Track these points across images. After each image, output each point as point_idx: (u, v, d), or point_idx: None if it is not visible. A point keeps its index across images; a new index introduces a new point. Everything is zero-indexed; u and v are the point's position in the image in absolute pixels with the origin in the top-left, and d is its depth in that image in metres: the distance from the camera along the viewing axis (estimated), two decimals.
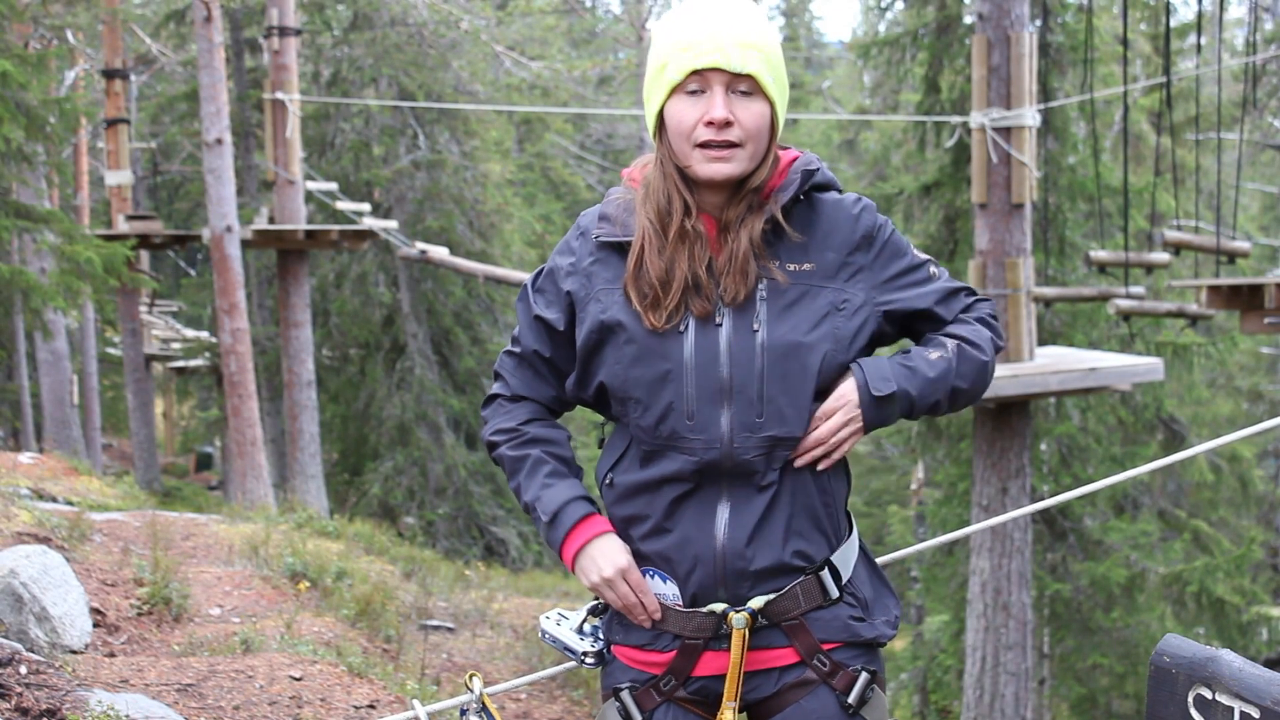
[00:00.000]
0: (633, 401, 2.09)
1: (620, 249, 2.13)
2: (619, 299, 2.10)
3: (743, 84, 2.04)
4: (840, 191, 2.18)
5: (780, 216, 2.08)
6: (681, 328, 2.06)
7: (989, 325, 2.19)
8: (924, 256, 2.20)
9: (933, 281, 2.17)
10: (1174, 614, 13.49)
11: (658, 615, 2.10)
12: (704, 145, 2.04)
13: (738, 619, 2.05)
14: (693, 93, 2.04)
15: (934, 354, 2.12)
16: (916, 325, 2.19)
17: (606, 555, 2.10)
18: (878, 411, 2.07)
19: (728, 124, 2.02)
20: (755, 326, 2.04)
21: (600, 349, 2.12)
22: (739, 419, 2.04)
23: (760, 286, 2.06)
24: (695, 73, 2.03)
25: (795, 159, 2.15)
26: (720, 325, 2.05)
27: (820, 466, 2.08)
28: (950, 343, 2.13)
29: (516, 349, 2.23)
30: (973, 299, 2.22)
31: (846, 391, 2.07)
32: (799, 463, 2.07)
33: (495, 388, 2.27)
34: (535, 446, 2.19)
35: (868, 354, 2.15)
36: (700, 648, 2.09)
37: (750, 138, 2.05)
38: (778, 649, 2.10)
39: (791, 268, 2.08)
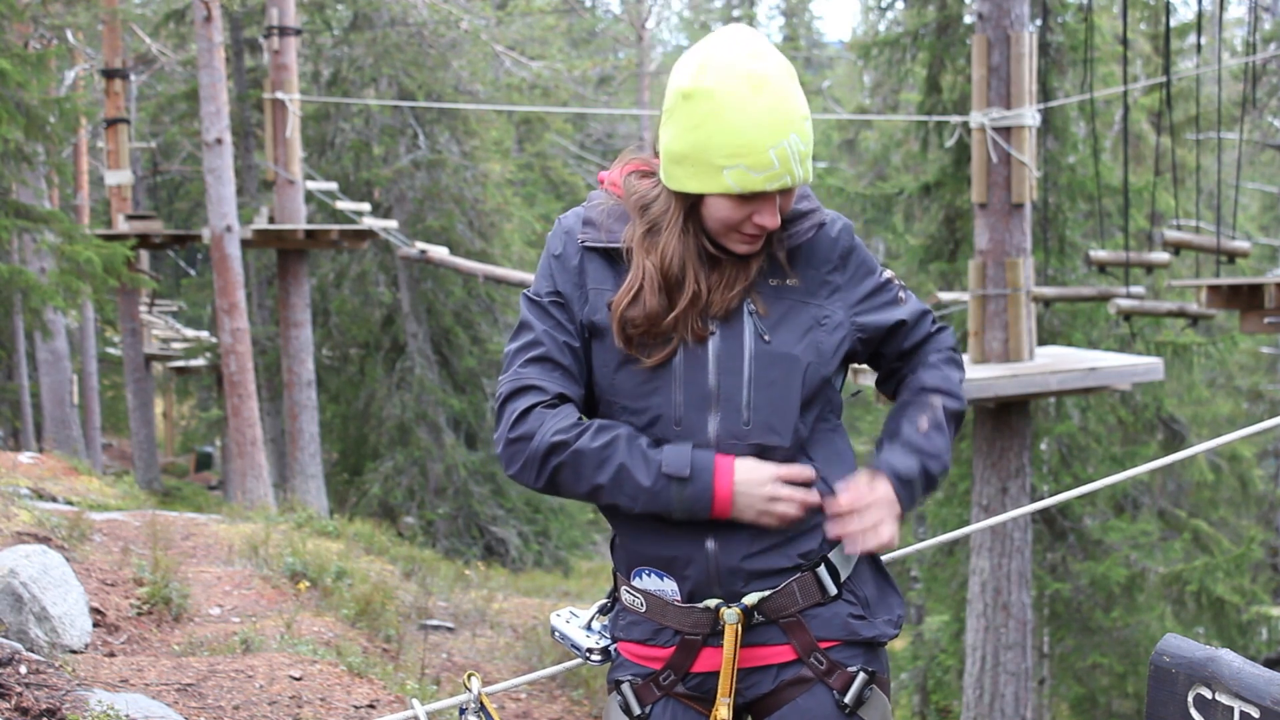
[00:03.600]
0: (619, 407, 2.11)
1: (606, 254, 2.14)
2: (605, 305, 2.11)
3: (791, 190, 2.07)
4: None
5: (782, 256, 2.12)
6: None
7: (955, 364, 2.27)
8: (889, 274, 2.25)
9: (902, 304, 2.23)
10: (1174, 614, 13.49)
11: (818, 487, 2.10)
12: (742, 233, 2.06)
13: (729, 614, 2.06)
14: (745, 196, 2.03)
15: (923, 424, 2.17)
16: (885, 347, 2.25)
17: (752, 478, 2.04)
18: (908, 493, 2.11)
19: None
20: (743, 338, 2.08)
21: (589, 346, 2.14)
22: (725, 425, 2.07)
23: (747, 301, 2.09)
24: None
25: None
26: (713, 334, 2.08)
27: (864, 549, 2.08)
28: (934, 402, 2.20)
29: (537, 350, 2.12)
30: (936, 326, 2.29)
31: (880, 487, 2.09)
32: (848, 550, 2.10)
33: (525, 400, 2.09)
34: (616, 428, 2.07)
35: (841, 373, 2.20)
36: (699, 643, 2.11)
37: (782, 218, 2.09)
38: (775, 646, 2.11)
39: (774, 283, 2.12)
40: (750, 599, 2.08)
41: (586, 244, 2.14)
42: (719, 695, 2.09)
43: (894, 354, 2.26)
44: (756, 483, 2.03)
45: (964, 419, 2.26)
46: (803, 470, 2.07)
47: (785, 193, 2.05)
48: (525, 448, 2.07)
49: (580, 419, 2.09)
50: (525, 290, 2.20)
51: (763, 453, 2.07)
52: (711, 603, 2.08)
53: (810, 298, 2.12)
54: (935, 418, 2.18)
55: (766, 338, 2.07)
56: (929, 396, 2.20)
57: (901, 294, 2.24)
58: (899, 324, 2.22)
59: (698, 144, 2.00)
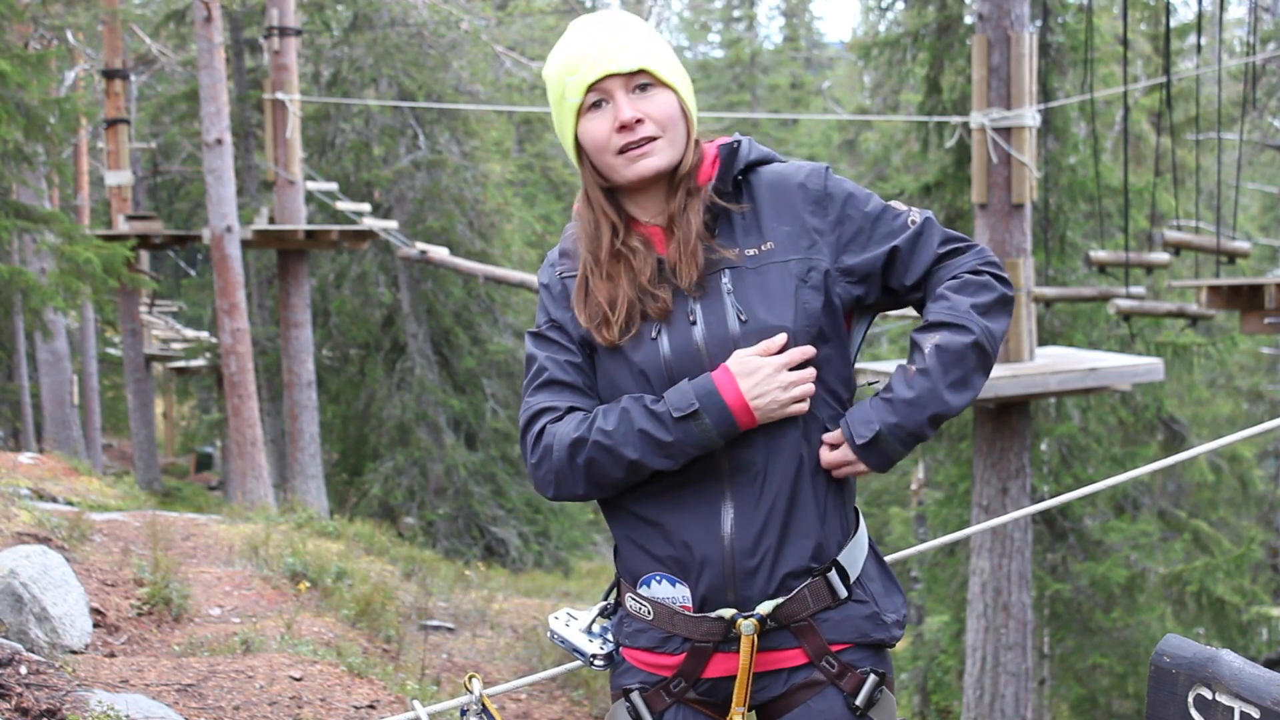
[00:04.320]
0: None
1: None
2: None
3: (639, 80, 2.06)
4: (783, 162, 2.18)
5: (718, 199, 2.10)
6: (654, 334, 2.08)
7: (973, 286, 2.08)
8: (889, 203, 2.15)
9: (903, 231, 2.11)
10: (1174, 614, 13.49)
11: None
12: (623, 150, 2.06)
13: (746, 625, 2.05)
14: (596, 106, 2.07)
15: (911, 369, 2.07)
16: (892, 283, 2.12)
17: (756, 379, 2.00)
18: (871, 455, 2.06)
19: (639, 121, 2.05)
20: (726, 322, 2.06)
21: (591, 362, 2.15)
22: None
23: (725, 278, 2.07)
24: (591, 87, 2.06)
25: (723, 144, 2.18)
26: (694, 323, 2.07)
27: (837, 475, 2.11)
28: (929, 340, 2.06)
29: (542, 377, 2.14)
30: (948, 248, 2.12)
31: (842, 443, 2.09)
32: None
33: (538, 424, 2.11)
34: (620, 401, 2.06)
35: (860, 328, 2.17)
36: (710, 650, 2.09)
37: (665, 127, 2.07)
38: (787, 650, 2.10)
39: (751, 252, 2.09)
40: (764, 608, 2.06)
41: (564, 275, 2.19)
42: (734, 704, 2.08)
43: (905, 289, 2.12)
44: (762, 380, 2.00)
45: (981, 347, 2.04)
46: (803, 351, 2.04)
47: (633, 80, 2.05)
48: (550, 463, 2.09)
49: (584, 415, 2.08)
50: (529, 329, 2.24)
51: (769, 431, 2.05)
52: (726, 613, 2.06)
53: (792, 254, 2.07)
54: (910, 368, 2.07)
55: (743, 316, 2.05)
56: (919, 338, 2.08)
57: (914, 217, 2.12)
58: (891, 253, 2.09)
59: (551, 97, 2.13)
